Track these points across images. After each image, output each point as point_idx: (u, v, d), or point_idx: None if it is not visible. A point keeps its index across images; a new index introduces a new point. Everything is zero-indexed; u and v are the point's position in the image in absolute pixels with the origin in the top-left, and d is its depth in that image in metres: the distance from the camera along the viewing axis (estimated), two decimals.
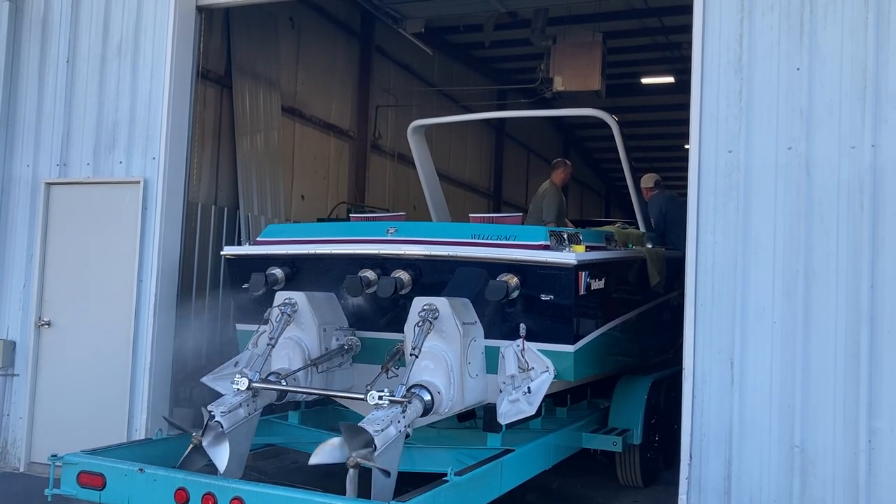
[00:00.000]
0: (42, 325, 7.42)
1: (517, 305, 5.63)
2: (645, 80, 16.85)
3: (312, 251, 6.14)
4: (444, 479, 4.73)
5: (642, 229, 8.40)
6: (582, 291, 5.68)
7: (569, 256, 5.54)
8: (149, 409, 6.98)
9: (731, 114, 5.55)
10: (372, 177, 14.62)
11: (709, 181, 5.58)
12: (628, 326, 6.90)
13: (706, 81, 5.63)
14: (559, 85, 12.59)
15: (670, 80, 16.43)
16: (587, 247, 5.96)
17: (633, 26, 14.46)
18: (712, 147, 5.59)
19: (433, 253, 5.77)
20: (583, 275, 5.67)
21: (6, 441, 7.48)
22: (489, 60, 17.54)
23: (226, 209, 10.81)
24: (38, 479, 7.25)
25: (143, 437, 6.92)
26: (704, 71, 5.64)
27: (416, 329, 5.31)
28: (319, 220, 12.28)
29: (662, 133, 20.07)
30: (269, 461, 7.49)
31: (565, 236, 5.87)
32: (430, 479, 4.89)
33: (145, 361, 7.01)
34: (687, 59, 16.98)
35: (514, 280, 5.56)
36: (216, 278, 10.53)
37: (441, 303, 5.40)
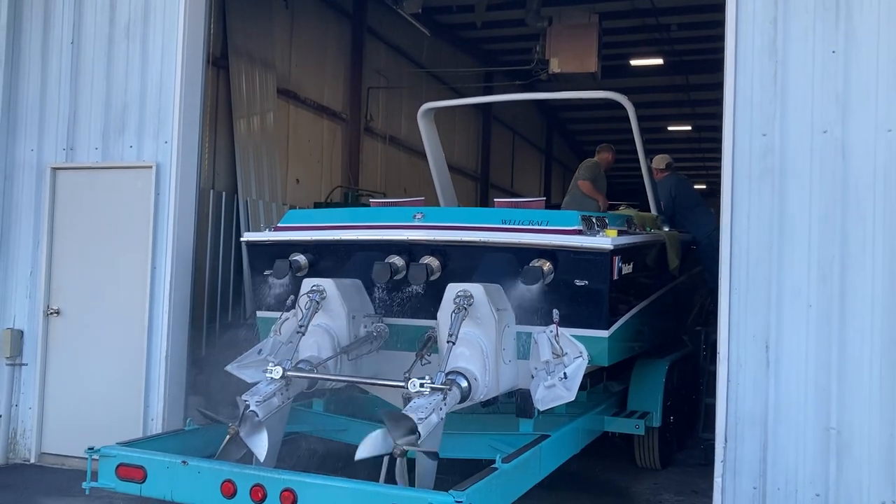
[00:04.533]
0: (51, 313, 7.23)
1: (550, 291, 5.59)
2: (634, 63, 16.86)
3: (339, 237, 6.04)
4: (493, 466, 4.69)
5: (654, 212, 8.41)
6: (615, 276, 5.66)
7: (604, 241, 5.50)
8: (166, 398, 6.85)
9: (766, 97, 5.53)
10: (364, 160, 14.48)
11: (743, 165, 5.56)
12: (651, 310, 6.90)
13: (740, 64, 5.59)
14: (555, 67, 12.56)
15: (659, 62, 16.46)
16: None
17: (624, 7, 14.44)
18: (746, 130, 5.56)
19: (465, 239, 5.69)
20: (616, 259, 5.65)
21: (15, 432, 7.30)
22: (478, 41, 17.43)
23: (223, 193, 10.65)
24: (49, 470, 7.09)
25: (159, 426, 6.81)
26: (738, 54, 5.60)
27: (452, 316, 5.25)
28: (316, 204, 12.14)
29: (647, 115, 20.11)
30: (285, 448, 7.41)
31: (594, 220, 5.84)
32: (461, 465, 4.84)
33: (161, 349, 6.87)
34: (675, 41, 17.09)
35: (547, 265, 5.52)
36: (215, 263, 10.39)
37: (476, 289, 5.33)
